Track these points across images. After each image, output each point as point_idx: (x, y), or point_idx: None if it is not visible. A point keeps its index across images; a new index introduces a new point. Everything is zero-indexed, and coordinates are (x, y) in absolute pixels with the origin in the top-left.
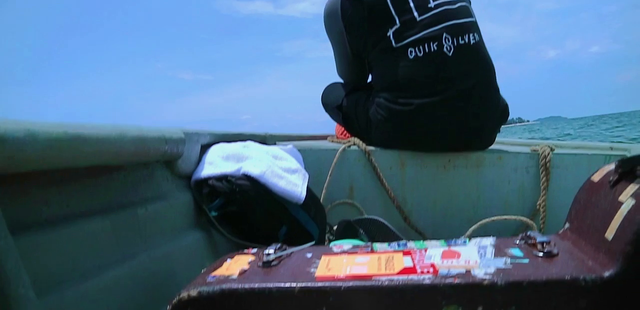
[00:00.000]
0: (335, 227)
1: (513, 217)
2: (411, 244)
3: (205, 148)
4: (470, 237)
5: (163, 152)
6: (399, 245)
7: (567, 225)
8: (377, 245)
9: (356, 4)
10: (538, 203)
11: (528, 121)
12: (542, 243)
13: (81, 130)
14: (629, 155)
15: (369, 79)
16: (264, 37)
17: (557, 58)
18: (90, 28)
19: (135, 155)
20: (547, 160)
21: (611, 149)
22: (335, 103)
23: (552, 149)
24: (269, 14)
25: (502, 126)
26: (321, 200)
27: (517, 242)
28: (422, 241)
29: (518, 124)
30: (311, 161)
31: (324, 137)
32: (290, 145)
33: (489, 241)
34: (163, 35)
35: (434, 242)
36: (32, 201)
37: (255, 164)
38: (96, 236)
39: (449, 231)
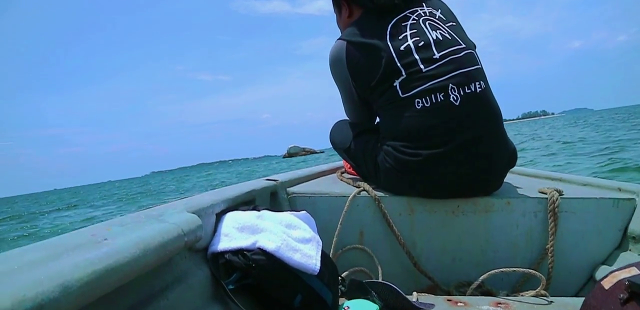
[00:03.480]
0: (345, 274)
1: (522, 269)
2: None
3: (220, 216)
4: (480, 285)
5: (182, 245)
6: None
7: None
8: None
9: (362, 54)
10: (546, 247)
11: (553, 114)
12: None
13: (107, 262)
14: (637, 199)
15: (377, 120)
16: (282, 36)
17: (582, 49)
18: (108, 34)
19: (158, 260)
20: (555, 205)
21: (619, 190)
22: (343, 145)
23: (560, 193)
24: (287, 12)
25: (526, 119)
26: (332, 245)
27: None
28: None
29: (542, 116)
30: (323, 207)
31: (333, 171)
32: (303, 211)
33: None
34: (181, 38)
35: None
36: None
37: (270, 237)
38: None
39: (458, 275)
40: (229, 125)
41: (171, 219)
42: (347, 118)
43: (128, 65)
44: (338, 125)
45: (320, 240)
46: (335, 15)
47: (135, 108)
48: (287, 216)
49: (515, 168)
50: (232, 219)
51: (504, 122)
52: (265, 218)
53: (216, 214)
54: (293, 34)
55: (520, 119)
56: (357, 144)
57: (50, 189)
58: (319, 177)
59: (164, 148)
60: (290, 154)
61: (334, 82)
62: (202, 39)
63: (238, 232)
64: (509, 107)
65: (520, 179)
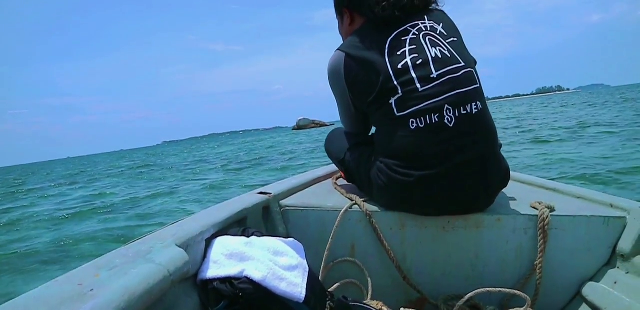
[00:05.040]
0: (336, 286)
1: (507, 290)
2: None
3: (209, 241)
4: (468, 299)
5: (169, 285)
6: None
7: None
8: None
9: (360, 69)
10: (535, 263)
11: (568, 89)
12: None
13: None
14: (627, 217)
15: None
16: (294, 6)
17: (602, 22)
18: (121, 2)
19: (144, 305)
20: (545, 223)
21: (611, 206)
22: (338, 156)
23: (551, 210)
24: None
25: (540, 94)
26: (323, 257)
27: None
28: None
29: (557, 92)
30: (315, 221)
31: (329, 176)
32: (291, 238)
33: None
34: (193, 7)
35: None
36: None
37: (257, 266)
38: None
39: (447, 289)
40: (241, 95)
41: (158, 257)
42: (343, 126)
43: (141, 34)
44: (333, 135)
45: (307, 267)
46: (337, 22)
47: (148, 77)
48: (275, 243)
49: (511, 173)
50: (221, 245)
51: (518, 97)
52: (254, 245)
53: (206, 240)
54: (305, 4)
55: (534, 94)
56: (352, 156)
57: (65, 157)
58: (315, 184)
59: (176, 118)
60: (299, 126)
61: (331, 91)
62: (214, 8)
63: (227, 259)
64: (523, 82)
65: (514, 187)
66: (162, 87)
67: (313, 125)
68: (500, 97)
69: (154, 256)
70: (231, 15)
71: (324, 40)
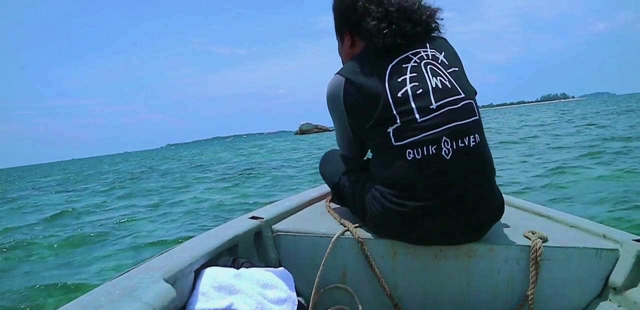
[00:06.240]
0: None
1: None
2: None
3: (199, 271)
4: None
5: None
6: None
7: None
8: None
9: (359, 95)
10: (527, 294)
11: (573, 97)
12: None
13: None
14: (620, 250)
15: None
16: (299, 11)
17: (607, 31)
18: (126, 4)
19: None
20: (537, 254)
21: (604, 237)
22: (332, 179)
23: (544, 240)
24: None
25: (545, 102)
26: (314, 284)
27: None
28: None
29: (562, 100)
30: (307, 246)
31: (323, 197)
32: (281, 268)
33: None
34: (199, 10)
35: None
36: None
37: (245, 300)
38: None
39: None
40: (245, 99)
41: (145, 294)
42: (340, 149)
43: (146, 36)
44: (329, 157)
45: (296, 299)
46: (337, 43)
47: (152, 80)
48: (264, 275)
49: (506, 198)
50: (211, 276)
51: (523, 104)
52: (243, 277)
53: (195, 271)
54: (311, 9)
55: (539, 101)
56: (347, 181)
57: (69, 159)
58: (308, 206)
59: (180, 121)
60: (302, 131)
61: (330, 115)
62: (220, 11)
63: (215, 291)
64: (528, 89)
65: (508, 212)
66: (167, 89)
67: (316, 130)
68: (505, 104)
69: (141, 293)
70: (236, 19)
71: (328, 45)
